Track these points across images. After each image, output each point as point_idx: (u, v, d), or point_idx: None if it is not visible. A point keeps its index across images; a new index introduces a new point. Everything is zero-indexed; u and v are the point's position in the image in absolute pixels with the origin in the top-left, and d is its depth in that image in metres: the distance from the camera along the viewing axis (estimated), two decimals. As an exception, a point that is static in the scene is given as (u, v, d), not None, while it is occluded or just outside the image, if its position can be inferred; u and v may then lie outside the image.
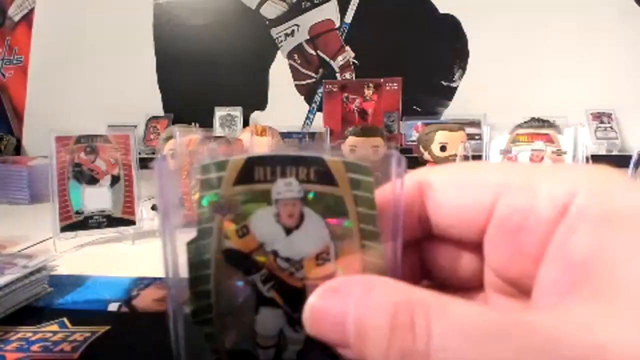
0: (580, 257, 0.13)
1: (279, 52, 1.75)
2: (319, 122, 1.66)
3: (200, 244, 0.15)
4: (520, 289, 0.15)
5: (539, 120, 1.26)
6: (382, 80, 1.60)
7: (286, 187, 0.15)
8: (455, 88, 1.60)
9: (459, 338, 0.12)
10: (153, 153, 1.52)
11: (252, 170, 0.15)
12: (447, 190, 0.16)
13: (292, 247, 0.15)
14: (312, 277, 0.15)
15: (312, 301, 0.14)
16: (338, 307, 0.13)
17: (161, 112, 1.79)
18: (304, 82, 1.72)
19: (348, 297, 0.13)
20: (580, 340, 0.11)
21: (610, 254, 0.12)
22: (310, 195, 0.15)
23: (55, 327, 0.34)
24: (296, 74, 1.73)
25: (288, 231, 0.15)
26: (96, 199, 0.59)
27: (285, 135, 0.76)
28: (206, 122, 1.64)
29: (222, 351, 0.16)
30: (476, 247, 0.16)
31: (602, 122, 1.50)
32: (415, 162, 0.91)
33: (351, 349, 0.13)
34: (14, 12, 1.95)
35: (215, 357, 0.16)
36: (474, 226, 0.16)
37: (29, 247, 0.59)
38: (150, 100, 1.79)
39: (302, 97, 1.73)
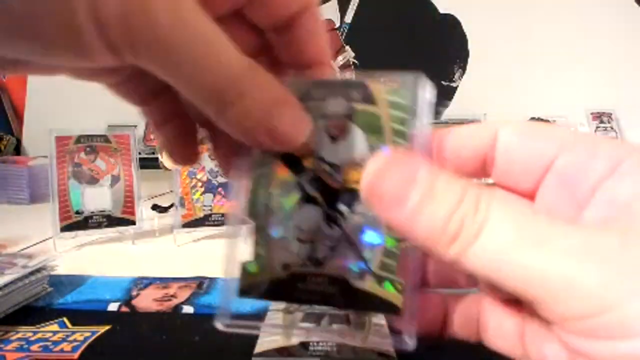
0: (623, 199, 0.14)
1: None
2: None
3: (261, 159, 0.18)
4: None
5: (539, 120, 1.26)
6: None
7: (335, 104, 0.18)
8: (455, 88, 1.60)
9: (511, 226, 0.14)
10: (153, 153, 1.52)
11: (310, 91, 0.18)
12: (518, 138, 0.17)
13: (336, 154, 0.18)
14: (349, 180, 0.18)
15: (380, 158, 0.15)
16: (409, 165, 0.15)
17: (161, 112, 1.79)
18: (304, 82, 1.72)
19: (419, 162, 0.15)
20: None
21: None
22: (354, 112, 0.18)
23: (55, 327, 0.34)
24: (296, 74, 1.73)
25: (334, 140, 0.18)
26: (96, 199, 0.59)
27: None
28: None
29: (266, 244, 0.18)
30: (527, 194, 0.18)
31: (602, 122, 1.50)
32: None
33: (405, 211, 0.14)
34: (14, 12, 1.95)
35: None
36: (533, 174, 0.17)
37: (29, 247, 0.59)
38: (150, 100, 1.79)
39: (302, 97, 1.73)
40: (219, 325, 0.18)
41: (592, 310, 0.13)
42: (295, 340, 0.28)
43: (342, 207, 0.18)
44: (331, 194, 0.18)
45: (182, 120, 0.21)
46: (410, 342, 0.17)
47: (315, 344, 0.27)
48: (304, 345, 0.27)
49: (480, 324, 0.20)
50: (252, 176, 0.18)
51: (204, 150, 0.59)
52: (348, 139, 0.18)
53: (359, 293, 0.17)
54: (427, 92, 0.17)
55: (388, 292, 0.17)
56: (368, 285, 0.17)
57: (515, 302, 0.19)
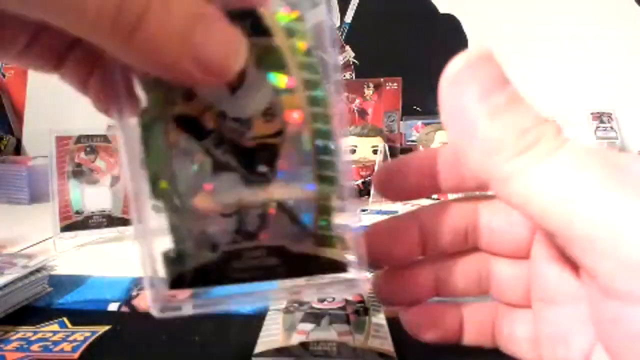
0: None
1: (279, 52, 1.75)
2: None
3: (149, 118, 0.15)
4: None
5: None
6: (382, 80, 1.60)
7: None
8: (455, 88, 1.60)
9: (594, 162, 0.13)
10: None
11: None
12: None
13: (239, 106, 0.15)
14: (261, 134, 0.15)
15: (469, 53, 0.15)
16: (498, 67, 0.15)
17: (161, 112, 1.79)
18: (304, 82, 1.72)
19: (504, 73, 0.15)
20: None
21: None
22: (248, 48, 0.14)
23: (55, 327, 0.34)
24: (296, 74, 1.73)
25: (232, 90, 0.14)
26: (96, 199, 0.59)
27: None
28: (206, 122, 1.64)
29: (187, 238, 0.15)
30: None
31: (602, 122, 1.50)
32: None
33: (486, 107, 0.14)
34: (14, 12, 1.95)
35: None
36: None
37: (29, 247, 0.59)
38: (150, 100, 1.79)
39: (302, 97, 1.73)
40: (154, 312, 0.16)
41: None
42: (295, 341, 0.28)
43: (262, 168, 0.15)
44: (245, 154, 0.15)
45: (104, 69, 0.17)
46: (364, 286, 0.16)
47: (315, 344, 0.27)
48: (304, 345, 0.27)
49: (495, 331, 0.20)
50: (142, 143, 0.15)
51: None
52: (249, 86, 0.15)
53: (301, 258, 0.16)
54: (326, 13, 0.15)
55: (331, 250, 0.16)
56: (309, 248, 0.16)
57: (528, 307, 0.19)
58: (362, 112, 1.62)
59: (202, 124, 0.15)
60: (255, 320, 0.32)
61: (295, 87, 0.15)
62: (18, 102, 1.98)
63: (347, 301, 0.33)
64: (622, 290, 0.12)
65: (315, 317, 0.31)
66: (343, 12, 1.70)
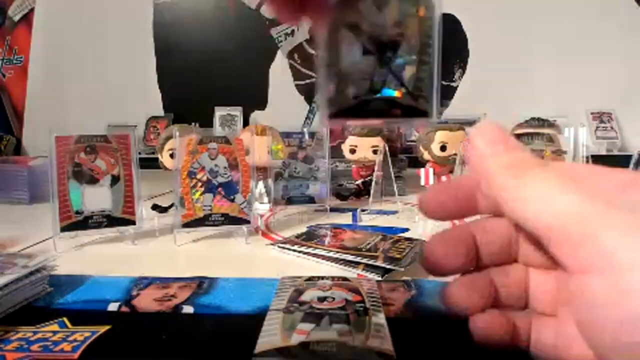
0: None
1: (279, 52, 1.75)
2: (319, 122, 1.66)
3: None
4: None
5: (539, 119, 1.26)
6: (382, 80, 1.60)
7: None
8: (455, 88, 1.60)
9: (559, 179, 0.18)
10: (153, 153, 1.52)
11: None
12: None
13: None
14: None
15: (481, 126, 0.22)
16: (499, 132, 0.22)
17: (161, 112, 1.79)
18: (304, 82, 1.72)
19: (506, 135, 0.22)
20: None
21: None
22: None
23: (55, 327, 0.34)
24: (296, 74, 1.73)
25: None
26: (96, 199, 0.59)
27: (285, 135, 0.76)
28: (206, 122, 1.64)
29: None
30: None
31: (602, 122, 1.50)
32: (415, 162, 0.91)
33: (490, 153, 0.21)
34: (14, 12, 1.95)
35: None
36: None
37: (29, 247, 0.59)
38: (150, 100, 1.79)
39: (302, 97, 1.73)
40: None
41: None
42: (295, 341, 0.28)
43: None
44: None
45: None
46: None
47: (315, 344, 0.27)
48: (304, 345, 0.27)
49: (532, 337, 0.23)
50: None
51: (203, 150, 0.59)
52: None
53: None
54: None
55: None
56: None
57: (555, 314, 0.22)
58: (362, 112, 1.61)
59: None
60: (256, 320, 0.32)
61: None
62: (18, 102, 1.98)
63: (347, 301, 0.34)
64: (577, 265, 0.17)
65: (315, 317, 0.31)
66: (343, 12, 1.70)
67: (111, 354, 0.31)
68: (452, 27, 1.61)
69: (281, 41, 1.74)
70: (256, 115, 1.74)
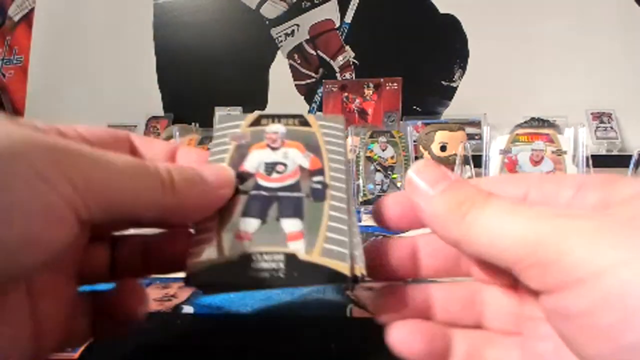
0: (589, 202, 0.19)
1: (279, 52, 1.75)
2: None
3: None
4: None
5: (539, 120, 1.26)
6: (382, 80, 1.60)
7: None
8: (455, 88, 1.61)
9: (508, 206, 0.18)
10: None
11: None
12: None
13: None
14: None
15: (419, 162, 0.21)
16: (439, 170, 0.20)
17: (161, 112, 1.79)
18: (304, 82, 1.73)
19: (445, 171, 0.20)
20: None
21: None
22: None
23: (55, 327, 0.34)
24: (296, 74, 1.73)
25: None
26: (96, 199, 0.59)
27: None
28: (206, 122, 1.64)
29: None
30: None
31: (602, 122, 1.50)
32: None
33: (429, 197, 0.19)
34: (14, 12, 1.96)
35: None
36: None
37: (29, 247, 0.59)
38: (150, 100, 1.80)
39: (302, 97, 1.73)
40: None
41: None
42: (235, 252, 0.19)
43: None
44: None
45: None
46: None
47: (259, 256, 0.19)
48: (246, 259, 0.19)
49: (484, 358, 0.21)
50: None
51: (205, 149, 0.59)
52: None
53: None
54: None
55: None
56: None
57: (517, 334, 0.20)
58: (362, 112, 1.62)
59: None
60: (256, 321, 0.32)
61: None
62: (18, 102, 1.98)
63: (301, 170, 0.23)
64: (551, 285, 0.16)
65: (261, 204, 0.21)
66: (343, 12, 1.70)
67: (111, 354, 0.31)
68: (452, 27, 1.61)
69: (281, 41, 1.74)
70: (256, 115, 1.74)
